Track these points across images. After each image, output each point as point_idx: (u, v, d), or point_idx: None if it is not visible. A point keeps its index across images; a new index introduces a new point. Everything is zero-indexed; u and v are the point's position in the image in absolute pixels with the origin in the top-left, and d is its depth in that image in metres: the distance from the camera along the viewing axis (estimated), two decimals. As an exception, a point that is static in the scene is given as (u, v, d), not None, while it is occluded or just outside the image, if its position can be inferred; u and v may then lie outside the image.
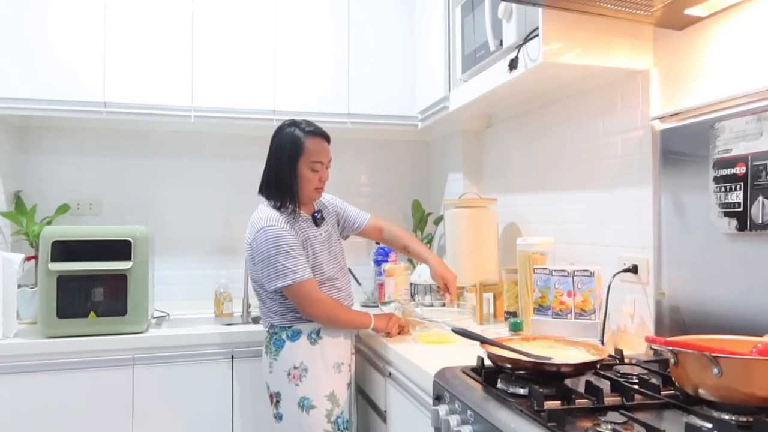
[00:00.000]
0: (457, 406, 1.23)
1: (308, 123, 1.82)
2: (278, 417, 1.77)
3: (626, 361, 1.39)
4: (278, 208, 1.77)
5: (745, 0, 1.30)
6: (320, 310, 1.72)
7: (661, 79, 1.56)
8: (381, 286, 2.46)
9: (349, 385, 1.84)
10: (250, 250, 1.77)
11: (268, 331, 1.83)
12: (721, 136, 1.32)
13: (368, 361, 1.96)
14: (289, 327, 1.76)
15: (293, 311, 1.76)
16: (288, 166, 1.77)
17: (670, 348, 1.05)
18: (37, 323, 2.00)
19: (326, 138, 1.83)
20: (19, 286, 2.12)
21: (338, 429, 1.76)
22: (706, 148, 1.37)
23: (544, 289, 1.69)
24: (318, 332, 1.76)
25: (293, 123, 1.81)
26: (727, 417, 0.98)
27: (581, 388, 1.14)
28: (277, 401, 1.76)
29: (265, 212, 1.77)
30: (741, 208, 1.27)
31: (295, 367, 1.74)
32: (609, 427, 0.94)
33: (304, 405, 1.72)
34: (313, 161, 1.77)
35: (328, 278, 1.80)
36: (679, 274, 1.46)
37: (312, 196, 1.84)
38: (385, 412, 1.81)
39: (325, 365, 1.75)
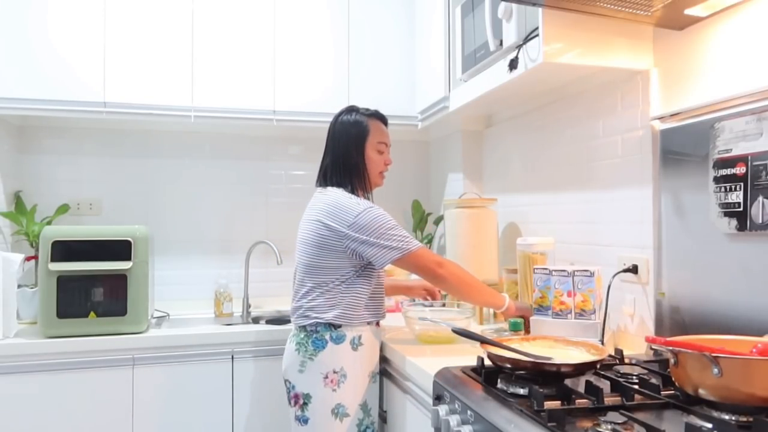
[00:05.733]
0: (457, 406, 1.23)
1: (370, 109, 1.82)
2: (302, 420, 1.66)
3: (626, 361, 1.39)
4: (351, 193, 1.72)
5: (745, 0, 1.30)
6: (449, 271, 1.65)
7: (661, 79, 1.56)
8: (381, 286, 2.45)
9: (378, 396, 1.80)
10: (340, 235, 1.63)
11: (305, 328, 1.69)
12: (721, 136, 1.32)
13: (368, 361, 1.96)
14: (335, 328, 1.66)
15: (338, 307, 1.66)
16: (355, 149, 1.75)
17: (670, 348, 1.05)
18: (37, 323, 2.00)
19: (385, 121, 1.83)
20: (19, 286, 2.12)
21: None
22: (706, 148, 1.37)
23: (544, 289, 1.68)
24: (360, 338, 1.69)
25: (351, 109, 1.81)
26: (727, 417, 0.98)
27: (581, 388, 1.14)
28: (305, 403, 1.66)
29: (346, 196, 1.68)
30: (741, 208, 1.27)
31: (335, 372, 1.64)
32: (609, 427, 0.94)
33: (339, 412, 1.64)
34: (378, 142, 1.77)
35: (381, 278, 1.77)
36: (679, 274, 1.46)
37: (377, 181, 1.81)
38: (385, 412, 1.81)
39: (363, 373, 1.69)
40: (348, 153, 1.75)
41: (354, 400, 1.67)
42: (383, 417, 1.83)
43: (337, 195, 1.69)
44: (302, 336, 1.69)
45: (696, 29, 1.44)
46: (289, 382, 1.71)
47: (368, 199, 1.77)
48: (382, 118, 1.81)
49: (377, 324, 1.78)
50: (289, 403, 1.71)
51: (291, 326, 1.77)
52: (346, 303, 1.67)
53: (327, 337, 1.66)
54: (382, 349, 1.81)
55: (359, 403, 1.68)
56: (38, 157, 2.55)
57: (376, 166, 1.77)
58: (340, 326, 1.67)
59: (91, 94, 2.26)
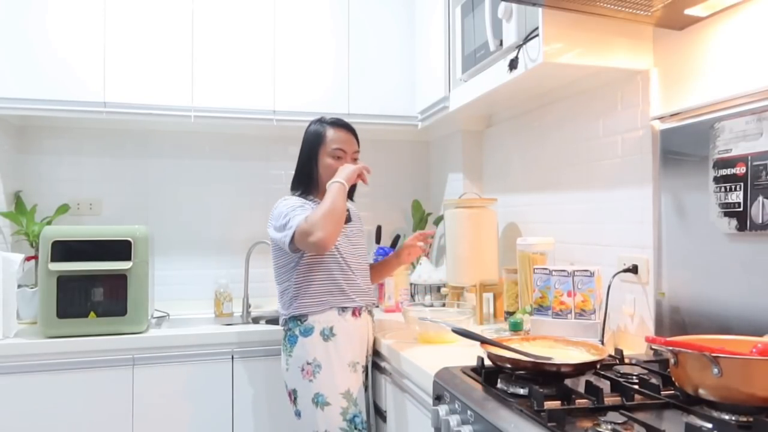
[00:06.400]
0: (457, 406, 1.23)
1: (334, 117, 1.88)
2: (297, 414, 1.76)
3: (626, 361, 1.39)
4: (300, 197, 1.82)
5: (745, 0, 1.30)
6: (313, 229, 1.61)
7: (661, 79, 1.56)
8: (381, 286, 2.46)
9: (366, 388, 1.82)
10: (270, 238, 1.79)
11: (283, 329, 1.82)
12: (721, 136, 1.32)
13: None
14: (300, 321, 1.75)
15: (295, 299, 1.75)
16: (308, 156, 1.84)
17: (670, 348, 1.05)
18: (37, 323, 2.00)
19: (349, 129, 1.87)
20: (19, 286, 2.12)
21: (355, 428, 1.71)
22: (706, 148, 1.37)
23: (544, 289, 1.68)
24: (331, 329, 1.74)
25: (318, 119, 1.88)
26: (727, 417, 0.98)
27: (581, 388, 1.14)
28: (295, 398, 1.75)
29: (284, 198, 1.80)
30: (741, 208, 1.27)
31: (308, 363, 1.72)
32: (609, 427, 0.94)
33: (319, 401, 1.70)
34: (333, 148, 1.81)
35: (345, 262, 1.79)
36: (679, 274, 1.46)
37: None
38: (385, 412, 1.81)
39: (340, 362, 1.73)
40: (304, 161, 1.86)
41: (332, 389, 1.70)
42: (383, 417, 1.83)
43: (286, 199, 1.79)
44: (283, 336, 1.81)
45: (696, 29, 1.44)
46: (284, 382, 1.81)
47: (316, 203, 1.80)
48: (345, 126, 1.86)
49: (355, 313, 1.79)
50: (289, 399, 1.79)
51: None
52: (302, 293, 1.75)
53: (297, 332, 1.75)
54: (377, 346, 1.82)
55: (340, 392, 1.71)
56: (38, 157, 2.55)
57: (331, 171, 1.78)
58: (305, 318, 1.75)
59: (91, 94, 2.26)
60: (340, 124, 1.86)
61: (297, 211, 1.69)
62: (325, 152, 1.81)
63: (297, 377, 1.74)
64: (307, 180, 1.84)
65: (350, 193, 1.91)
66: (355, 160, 1.86)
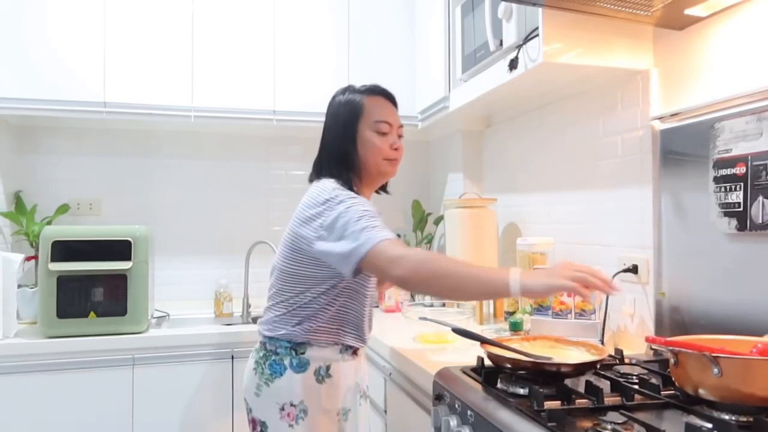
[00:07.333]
0: (457, 406, 1.23)
1: (370, 84, 1.53)
2: None
3: (626, 361, 1.39)
4: (343, 186, 1.40)
5: (745, 0, 1.30)
6: (407, 268, 1.20)
7: (661, 79, 1.56)
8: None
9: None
10: (295, 235, 1.39)
11: (265, 345, 1.44)
12: (721, 136, 1.32)
13: (368, 360, 1.96)
14: (295, 351, 1.40)
15: (304, 323, 1.39)
16: (344, 132, 1.44)
17: (670, 348, 1.05)
18: (37, 323, 2.00)
19: (390, 97, 1.51)
20: (19, 286, 2.12)
21: None
22: (706, 148, 1.37)
23: (544, 289, 1.68)
24: (328, 369, 1.41)
25: (346, 88, 1.52)
26: (727, 417, 0.98)
27: (581, 388, 1.14)
28: (262, 431, 1.42)
29: (327, 189, 1.38)
30: (741, 208, 1.27)
31: (292, 404, 1.38)
32: (609, 427, 0.94)
33: None
34: (376, 121, 1.45)
35: (373, 293, 1.50)
36: (679, 274, 1.46)
37: (382, 169, 1.47)
38: (385, 412, 1.81)
39: (329, 410, 1.40)
40: (338, 138, 1.45)
41: None
42: (383, 417, 1.83)
43: (318, 186, 1.41)
44: (261, 354, 1.44)
45: (696, 29, 1.44)
46: (247, 403, 1.46)
47: (367, 194, 1.50)
48: (385, 93, 1.50)
49: (355, 352, 1.48)
50: (249, 424, 1.47)
51: None
52: (318, 318, 1.39)
53: (286, 362, 1.39)
54: (381, 349, 1.81)
55: None
56: (38, 157, 2.55)
57: (377, 151, 1.45)
58: (303, 349, 1.39)
59: (90, 94, 2.26)
60: (378, 91, 1.49)
61: (366, 221, 1.27)
62: (366, 125, 1.45)
63: (271, 412, 1.39)
64: (344, 161, 1.44)
65: (383, 188, 1.59)
66: (400, 137, 1.51)
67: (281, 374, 1.39)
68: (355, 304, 1.44)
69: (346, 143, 1.45)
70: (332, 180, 1.41)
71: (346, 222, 1.28)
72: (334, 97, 1.53)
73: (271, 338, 1.43)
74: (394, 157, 1.49)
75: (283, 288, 1.42)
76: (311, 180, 1.50)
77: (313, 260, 1.37)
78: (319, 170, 1.48)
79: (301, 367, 1.39)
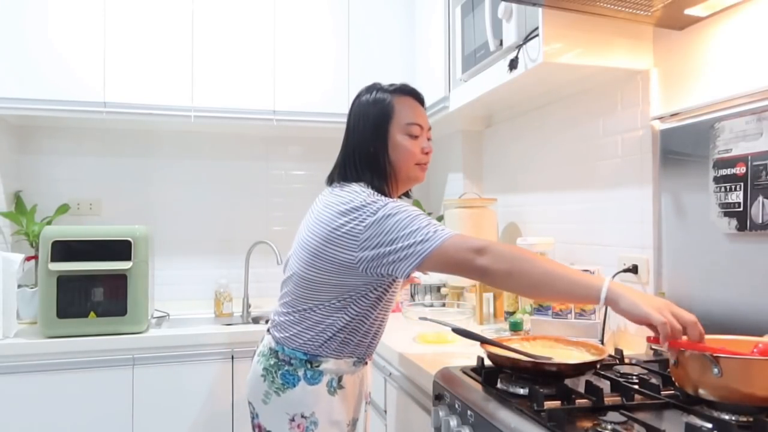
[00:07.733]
0: (457, 406, 1.23)
1: (398, 84, 1.44)
2: None
3: (626, 361, 1.39)
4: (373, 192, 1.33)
5: (745, 0, 1.30)
6: (494, 257, 1.15)
7: (661, 79, 1.56)
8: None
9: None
10: (323, 241, 1.29)
11: (277, 354, 1.38)
12: (721, 136, 1.32)
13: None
14: (310, 364, 1.35)
15: (323, 335, 1.34)
16: (374, 133, 1.37)
17: (671, 348, 1.05)
18: (37, 323, 2.00)
19: (419, 98, 1.44)
20: (19, 286, 2.12)
21: None
22: (706, 148, 1.37)
23: (544, 289, 1.68)
24: (340, 380, 1.38)
25: (372, 87, 1.44)
26: (727, 417, 0.98)
27: (581, 388, 1.14)
28: None
29: (364, 193, 1.30)
30: (741, 208, 1.27)
31: (303, 416, 1.35)
32: (609, 427, 0.94)
33: None
34: (408, 123, 1.38)
35: (393, 294, 1.42)
36: (679, 274, 1.46)
37: (412, 174, 1.41)
38: (385, 412, 1.81)
39: (338, 422, 1.38)
40: (367, 139, 1.38)
41: None
42: (383, 417, 1.83)
43: (347, 190, 1.33)
44: (272, 362, 1.38)
45: (696, 29, 1.44)
46: (253, 408, 1.42)
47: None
48: (414, 94, 1.43)
49: (365, 362, 1.46)
50: (253, 428, 1.44)
51: None
52: (338, 331, 1.34)
53: (300, 373, 1.35)
54: (381, 349, 1.81)
55: None
56: (38, 157, 2.55)
57: (409, 155, 1.38)
58: (318, 362, 1.36)
59: (90, 94, 2.26)
60: (407, 90, 1.42)
61: (423, 219, 1.23)
62: (397, 128, 1.37)
63: (280, 423, 1.36)
64: (373, 164, 1.36)
65: (406, 193, 1.53)
66: (429, 140, 1.43)
67: (294, 385, 1.35)
68: (381, 314, 1.39)
69: (377, 146, 1.37)
70: (362, 184, 1.35)
71: (396, 223, 1.22)
72: (359, 96, 1.45)
73: (284, 348, 1.38)
74: (426, 161, 1.43)
75: (303, 296, 1.35)
76: (330, 182, 1.43)
77: (343, 268, 1.28)
78: (344, 173, 1.39)
79: (315, 379, 1.36)
